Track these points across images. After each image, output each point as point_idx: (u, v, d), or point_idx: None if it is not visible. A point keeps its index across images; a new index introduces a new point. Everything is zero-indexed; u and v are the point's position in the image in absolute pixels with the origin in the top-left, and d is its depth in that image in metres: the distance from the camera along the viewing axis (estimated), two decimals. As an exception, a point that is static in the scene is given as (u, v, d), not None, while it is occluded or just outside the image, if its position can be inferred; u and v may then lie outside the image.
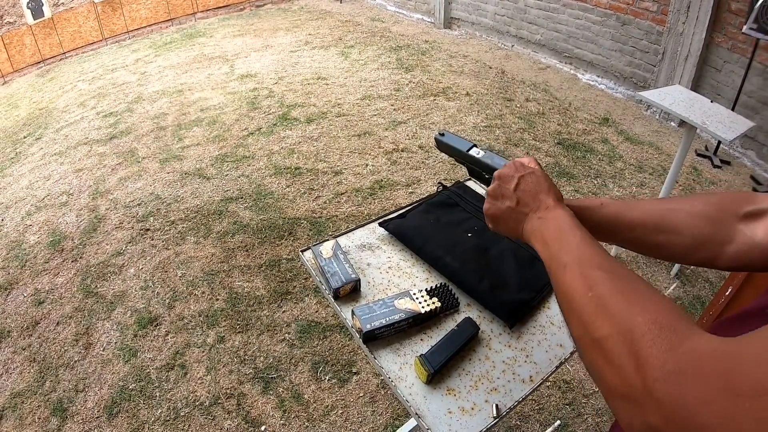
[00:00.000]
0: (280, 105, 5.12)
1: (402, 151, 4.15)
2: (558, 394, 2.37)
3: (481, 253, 1.36)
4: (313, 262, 1.40)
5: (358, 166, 4.00)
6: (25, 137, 5.50)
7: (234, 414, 2.38)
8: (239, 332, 2.75)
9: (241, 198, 3.78)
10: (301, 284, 2.98)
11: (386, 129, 4.50)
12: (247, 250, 3.27)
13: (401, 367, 1.13)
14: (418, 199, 1.65)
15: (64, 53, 8.20)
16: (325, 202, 3.63)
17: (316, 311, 2.82)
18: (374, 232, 1.52)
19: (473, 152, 1.04)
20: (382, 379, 2.45)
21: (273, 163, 4.15)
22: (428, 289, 1.26)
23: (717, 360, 0.40)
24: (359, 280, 1.30)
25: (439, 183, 1.63)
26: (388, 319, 1.17)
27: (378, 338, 1.18)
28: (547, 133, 4.34)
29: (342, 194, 3.69)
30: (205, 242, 3.40)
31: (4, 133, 5.74)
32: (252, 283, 3.03)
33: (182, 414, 2.40)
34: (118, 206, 3.91)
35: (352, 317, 1.20)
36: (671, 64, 4.41)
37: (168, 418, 2.40)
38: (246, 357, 2.62)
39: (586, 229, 0.70)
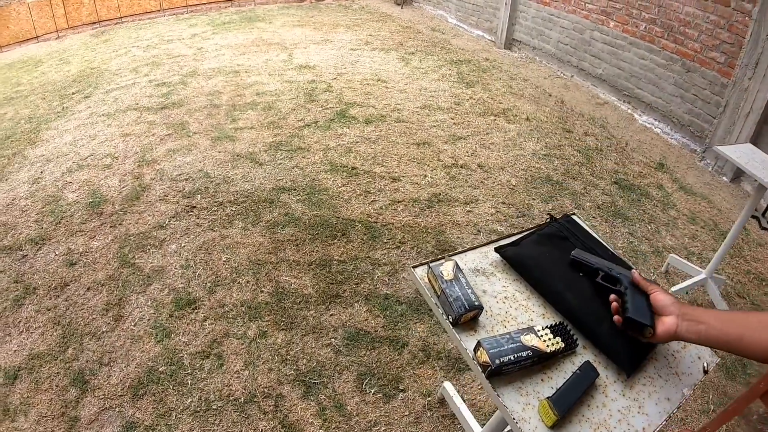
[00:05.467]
0: (338, 101, 5.00)
1: (461, 167, 3.99)
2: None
3: (598, 294, 1.28)
4: (427, 280, 1.33)
5: (416, 175, 3.85)
6: (73, 93, 5.42)
7: (270, 416, 2.21)
8: (283, 329, 2.59)
9: (294, 190, 3.63)
10: (352, 289, 2.82)
11: (445, 142, 4.35)
12: (297, 245, 3.12)
13: (524, 407, 1.09)
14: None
15: (121, 18, 8.17)
16: (381, 208, 3.47)
17: (366, 320, 2.65)
18: (487, 256, 1.45)
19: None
20: (429, 400, 2.30)
21: (329, 159, 4.01)
22: (551, 326, 1.19)
23: None
24: (482, 308, 1.22)
25: (548, 214, 1.58)
26: (516, 355, 1.10)
27: (502, 374, 1.11)
28: (605, 171, 4.17)
29: (399, 202, 3.53)
30: (253, 230, 3.25)
31: (53, 86, 5.67)
32: (300, 280, 2.87)
33: (214, 407, 2.25)
34: (164, 178, 3.79)
35: (477, 349, 1.13)
36: (731, 118, 4.23)
37: (198, 409, 2.24)
38: (288, 357, 2.46)
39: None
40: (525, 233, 1.51)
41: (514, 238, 1.49)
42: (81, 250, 3.19)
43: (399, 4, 9.18)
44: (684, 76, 4.74)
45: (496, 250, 1.43)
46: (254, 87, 5.29)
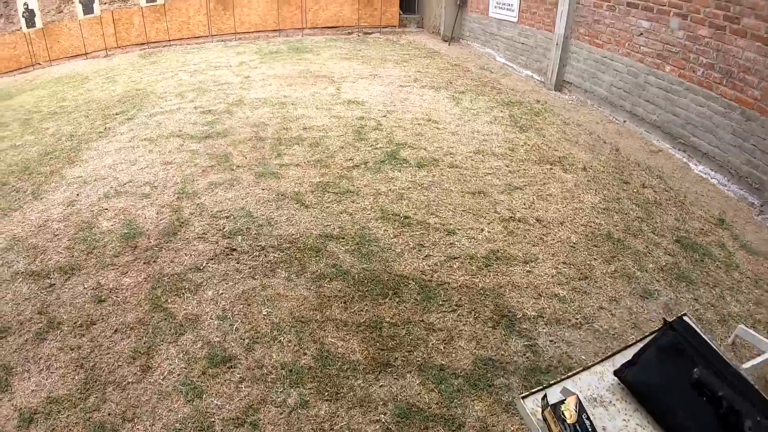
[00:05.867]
0: (388, 141, 4.79)
1: (519, 221, 3.71)
2: None
3: (725, 427, 1.17)
4: (541, 417, 1.16)
5: (472, 229, 3.57)
6: (116, 114, 5.34)
7: (309, 507, 1.93)
8: (327, 400, 2.31)
9: (343, 238, 3.39)
10: (404, 357, 2.53)
11: (501, 192, 4.08)
12: (344, 302, 2.86)
13: None
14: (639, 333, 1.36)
15: (169, 41, 8.19)
16: (436, 264, 3.20)
17: (419, 393, 2.36)
18: (603, 378, 1.35)
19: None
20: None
21: (380, 205, 3.77)
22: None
23: None
24: None
25: (663, 319, 1.46)
26: None
27: None
28: (666, 228, 3.85)
29: (455, 258, 3.26)
30: (297, 281, 3.00)
31: (97, 104, 5.61)
32: (347, 343, 2.60)
33: (246, 489, 1.97)
34: (204, 214, 3.59)
35: None
36: (792, 171, 3.92)
37: (228, 490, 1.97)
38: (331, 434, 2.18)
39: None
40: (641, 344, 1.40)
41: (630, 352, 1.40)
42: (111, 285, 2.99)
43: (446, 41, 9.07)
44: (743, 125, 4.42)
45: (615, 374, 1.33)
46: (301, 120, 5.13)
